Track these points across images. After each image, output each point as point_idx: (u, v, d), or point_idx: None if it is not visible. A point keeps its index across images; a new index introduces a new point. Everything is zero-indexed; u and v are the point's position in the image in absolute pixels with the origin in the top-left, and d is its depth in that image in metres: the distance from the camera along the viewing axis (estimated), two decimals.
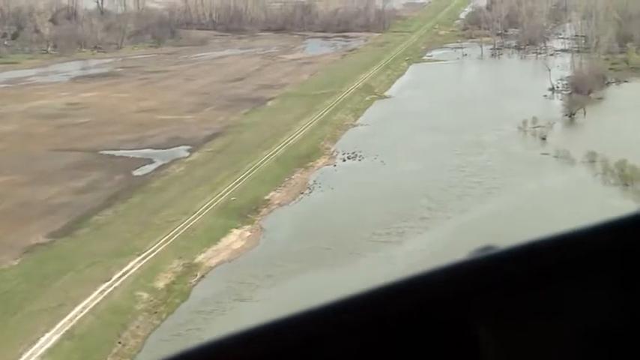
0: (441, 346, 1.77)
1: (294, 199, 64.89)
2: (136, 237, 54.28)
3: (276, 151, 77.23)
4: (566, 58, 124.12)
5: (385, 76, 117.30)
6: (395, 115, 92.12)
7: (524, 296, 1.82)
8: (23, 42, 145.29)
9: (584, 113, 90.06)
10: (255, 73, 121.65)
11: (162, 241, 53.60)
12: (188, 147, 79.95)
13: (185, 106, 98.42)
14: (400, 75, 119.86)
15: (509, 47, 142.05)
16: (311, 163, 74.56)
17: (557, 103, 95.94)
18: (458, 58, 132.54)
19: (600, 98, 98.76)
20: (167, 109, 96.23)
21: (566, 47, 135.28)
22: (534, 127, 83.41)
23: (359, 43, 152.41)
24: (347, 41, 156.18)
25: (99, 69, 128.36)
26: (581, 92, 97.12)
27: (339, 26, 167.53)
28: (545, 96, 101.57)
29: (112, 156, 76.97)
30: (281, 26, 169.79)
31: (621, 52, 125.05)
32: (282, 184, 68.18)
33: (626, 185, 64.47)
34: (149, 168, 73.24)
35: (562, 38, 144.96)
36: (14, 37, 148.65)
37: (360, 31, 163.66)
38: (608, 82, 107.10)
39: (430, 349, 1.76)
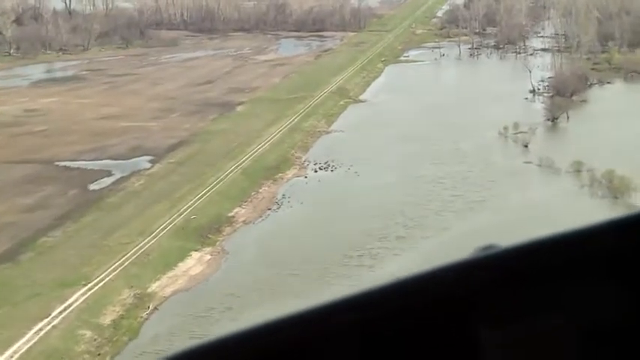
0: (443, 345, 1.77)
1: (260, 216, 60.29)
2: (85, 263, 49.52)
3: (244, 161, 72.59)
4: (547, 58, 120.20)
5: (360, 78, 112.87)
6: (370, 120, 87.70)
7: (526, 295, 1.83)
8: None
9: (567, 118, 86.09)
10: (225, 76, 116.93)
11: (112, 268, 48.89)
12: (150, 157, 75.23)
13: (150, 112, 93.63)
14: (376, 77, 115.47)
15: (487, 47, 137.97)
16: (280, 175, 70.00)
17: (539, 106, 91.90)
18: (435, 59, 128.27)
19: (583, 101, 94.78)
20: (131, 116, 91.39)
21: (547, 46, 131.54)
22: (516, 134, 79.33)
23: (334, 43, 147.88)
24: (322, 41, 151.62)
25: (62, 72, 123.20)
26: (563, 95, 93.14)
27: (313, 25, 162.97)
28: (526, 99, 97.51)
29: (68, 168, 72.22)
30: (254, 26, 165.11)
31: (603, 52, 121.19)
32: (249, 199, 63.55)
33: (616, 198, 60.37)
34: (107, 181, 68.53)
35: (542, 37, 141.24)
36: None
37: (335, 31, 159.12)
38: (591, 84, 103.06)
39: (432, 348, 1.77)
